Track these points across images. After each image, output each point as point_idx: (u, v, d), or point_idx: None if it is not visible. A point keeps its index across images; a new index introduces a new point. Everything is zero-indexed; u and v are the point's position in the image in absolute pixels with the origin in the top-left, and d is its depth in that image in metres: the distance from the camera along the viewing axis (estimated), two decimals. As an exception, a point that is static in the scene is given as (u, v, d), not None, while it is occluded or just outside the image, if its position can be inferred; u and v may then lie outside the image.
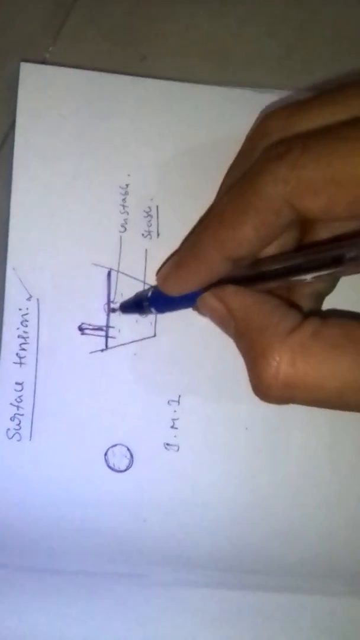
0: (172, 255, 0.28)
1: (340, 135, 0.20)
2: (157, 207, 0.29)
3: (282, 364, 0.21)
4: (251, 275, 0.24)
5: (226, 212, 0.23)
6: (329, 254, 0.21)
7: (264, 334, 0.22)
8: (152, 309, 0.28)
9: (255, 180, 0.21)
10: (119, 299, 0.29)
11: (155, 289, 0.27)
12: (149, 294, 0.28)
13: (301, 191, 0.20)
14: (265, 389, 0.22)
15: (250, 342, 0.22)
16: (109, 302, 0.29)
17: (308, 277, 0.22)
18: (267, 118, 0.23)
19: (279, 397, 0.22)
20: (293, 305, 0.24)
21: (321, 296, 0.27)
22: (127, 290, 0.29)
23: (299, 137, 0.21)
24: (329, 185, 0.20)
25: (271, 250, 0.24)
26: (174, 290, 0.26)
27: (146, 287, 0.29)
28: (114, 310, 0.29)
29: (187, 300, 0.26)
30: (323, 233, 0.24)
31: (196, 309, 0.26)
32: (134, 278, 0.29)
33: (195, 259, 0.24)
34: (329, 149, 0.20)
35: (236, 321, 0.23)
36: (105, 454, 0.28)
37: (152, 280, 0.29)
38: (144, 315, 0.29)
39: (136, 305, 0.28)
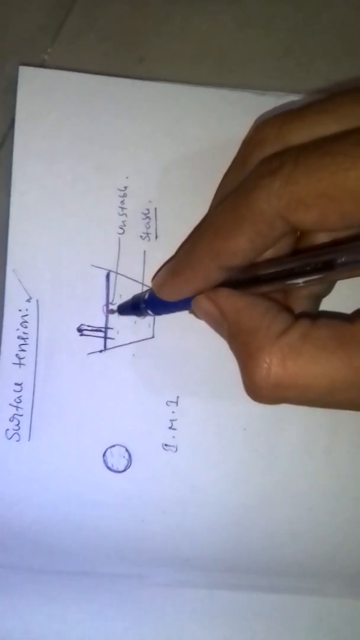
0: (168, 261, 0.29)
1: (330, 150, 0.20)
2: (156, 209, 0.29)
3: (272, 365, 0.22)
4: (245, 278, 0.24)
5: (221, 224, 0.23)
6: (321, 259, 0.21)
7: (255, 336, 0.22)
8: (149, 311, 0.28)
9: (249, 195, 0.22)
10: (118, 300, 0.29)
11: (152, 291, 0.27)
12: (146, 296, 0.28)
13: (294, 205, 0.21)
14: (257, 390, 0.22)
15: (242, 344, 0.23)
16: (107, 303, 0.29)
17: (300, 281, 0.22)
18: (261, 126, 0.24)
19: (270, 397, 0.22)
20: (286, 307, 0.25)
21: (318, 298, 0.27)
22: (126, 291, 0.29)
23: (291, 151, 0.22)
24: (320, 199, 0.20)
25: (268, 254, 0.24)
26: (169, 296, 0.26)
27: (144, 288, 0.29)
28: (112, 311, 0.29)
29: (182, 304, 0.26)
30: (320, 237, 0.25)
31: (192, 312, 0.26)
32: (133, 280, 0.29)
33: (191, 268, 0.25)
34: (319, 164, 0.20)
35: (228, 323, 0.24)
36: (104, 455, 0.29)
37: (150, 282, 0.29)
38: (141, 317, 0.29)
39: (133, 307, 0.28)
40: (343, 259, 0.21)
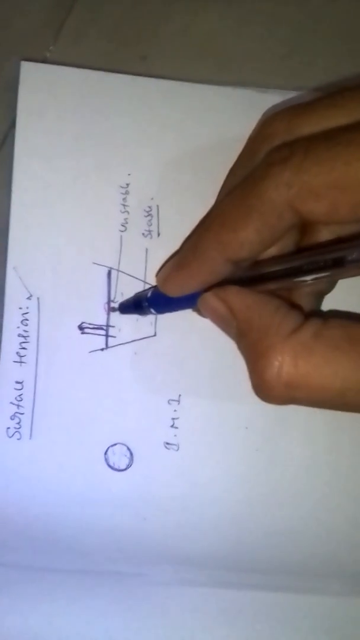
0: (172, 256, 0.28)
1: (342, 139, 0.20)
2: (158, 206, 0.29)
3: (284, 364, 0.21)
4: (252, 276, 0.24)
5: (228, 215, 0.23)
6: (330, 256, 0.21)
7: (266, 334, 0.22)
8: (152, 310, 0.28)
9: (258, 184, 0.21)
10: (119, 298, 0.29)
11: (154, 289, 0.27)
12: (149, 294, 0.28)
13: (304, 195, 0.20)
14: (267, 389, 0.22)
15: (252, 342, 0.22)
16: (109, 301, 0.29)
17: (309, 278, 0.22)
18: (269, 120, 0.23)
19: (280, 397, 0.22)
20: (294, 305, 0.24)
21: (321, 295, 0.27)
22: (128, 289, 0.29)
23: (301, 140, 0.21)
24: (331, 189, 0.20)
25: (272, 251, 0.24)
26: (174, 291, 0.26)
27: (146, 286, 0.29)
28: (114, 309, 0.29)
29: (186, 301, 0.26)
30: (324, 235, 0.24)
31: (196, 310, 0.26)
32: (134, 277, 0.29)
33: (196, 260, 0.24)
34: (331, 153, 0.20)
35: (238, 321, 0.23)
36: (105, 453, 0.28)
37: (152, 280, 0.29)
38: (143, 316, 0.29)
39: (135, 306, 0.28)
40: (354, 256, 0.20)
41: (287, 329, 0.22)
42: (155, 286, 0.28)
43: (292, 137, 0.22)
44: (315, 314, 0.23)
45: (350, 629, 0.29)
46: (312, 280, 0.22)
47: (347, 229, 0.24)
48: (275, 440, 0.29)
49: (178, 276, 0.25)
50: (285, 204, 0.21)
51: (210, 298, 0.24)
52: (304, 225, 0.24)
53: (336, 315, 0.22)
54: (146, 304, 0.27)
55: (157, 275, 0.28)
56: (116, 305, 0.29)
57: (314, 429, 0.29)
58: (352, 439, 0.30)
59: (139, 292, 0.29)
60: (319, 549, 0.29)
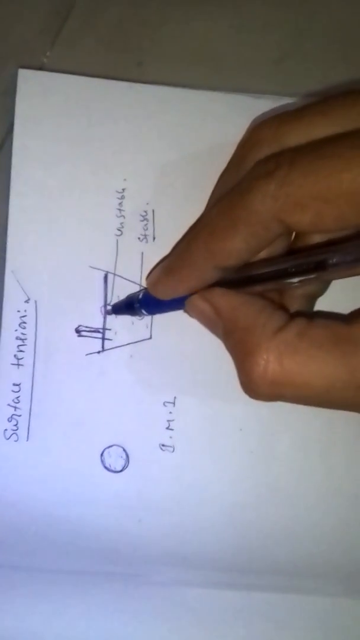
0: (163, 260, 0.29)
1: (326, 151, 0.21)
2: (153, 211, 0.30)
3: (269, 362, 0.22)
4: (239, 278, 0.24)
5: (216, 224, 0.23)
6: (313, 260, 0.22)
7: (252, 334, 0.22)
8: (143, 311, 0.28)
9: (245, 196, 0.22)
10: (116, 301, 0.29)
11: (146, 291, 0.28)
12: (140, 295, 0.28)
13: (289, 207, 0.21)
14: (254, 387, 0.22)
15: (238, 342, 0.23)
16: (105, 304, 0.29)
17: (295, 280, 0.22)
18: (257, 128, 0.24)
19: (267, 394, 0.22)
20: (280, 306, 0.25)
21: (313, 298, 0.27)
22: (124, 293, 0.29)
23: (287, 153, 0.22)
24: (316, 201, 0.20)
25: (261, 254, 0.24)
26: (163, 294, 0.26)
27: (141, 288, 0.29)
28: (110, 312, 0.29)
29: (177, 303, 0.26)
30: (314, 238, 0.25)
31: (186, 311, 0.27)
32: (130, 281, 0.29)
33: (185, 267, 0.25)
34: (315, 166, 0.20)
35: (224, 322, 0.24)
36: (102, 455, 0.29)
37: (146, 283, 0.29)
38: (136, 317, 0.29)
39: (127, 306, 0.28)
40: (334, 260, 0.21)
41: (272, 328, 0.22)
42: (146, 288, 0.28)
43: (280, 145, 0.23)
44: (301, 314, 0.23)
45: (346, 629, 0.29)
46: (298, 282, 0.22)
47: (337, 233, 0.24)
48: (270, 442, 0.29)
49: (167, 281, 0.26)
50: (271, 215, 0.21)
51: (196, 300, 0.25)
52: (295, 235, 0.25)
53: (321, 315, 0.23)
54: (138, 305, 0.28)
55: (147, 278, 0.29)
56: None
57: (308, 431, 0.30)
58: (347, 440, 0.30)
59: (131, 294, 0.29)
60: (314, 550, 0.30)
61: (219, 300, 0.24)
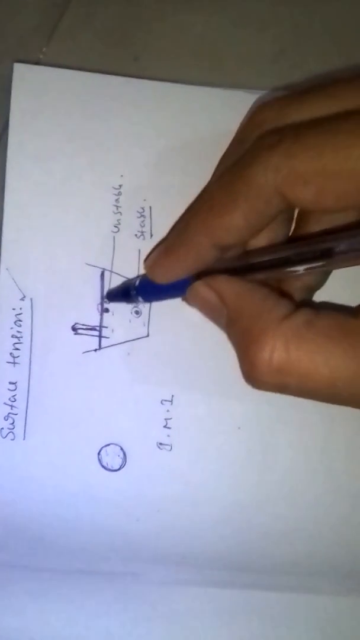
0: (160, 242, 0.28)
1: (332, 127, 0.20)
2: (150, 207, 0.29)
3: (275, 349, 0.21)
4: (241, 266, 0.24)
5: (216, 199, 0.23)
6: (319, 247, 0.21)
7: (258, 320, 0.22)
8: (140, 298, 0.27)
9: (246, 168, 0.21)
10: (112, 288, 0.29)
11: (143, 277, 0.27)
12: (137, 282, 0.28)
13: (291, 181, 0.20)
14: (258, 375, 0.22)
15: (243, 329, 0.22)
16: (102, 302, 0.29)
17: (300, 269, 0.22)
18: (261, 108, 0.23)
19: (270, 383, 0.22)
20: (285, 294, 0.24)
21: (312, 290, 0.27)
22: (120, 290, 0.29)
23: (291, 126, 0.21)
24: (319, 176, 0.20)
25: (261, 242, 0.24)
26: (162, 277, 0.26)
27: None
28: (107, 310, 0.29)
29: (174, 290, 0.26)
30: (315, 226, 0.24)
31: (185, 299, 0.26)
32: (127, 278, 0.29)
33: (184, 245, 0.24)
34: (320, 140, 0.20)
35: (228, 308, 0.23)
36: (99, 453, 0.29)
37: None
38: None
39: (123, 293, 0.28)
40: (341, 247, 0.20)
41: (279, 315, 0.22)
42: (144, 275, 0.28)
43: (283, 124, 0.22)
44: (307, 304, 0.23)
45: (344, 627, 0.29)
46: (303, 270, 0.22)
47: (338, 219, 0.23)
48: (269, 440, 0.29)
49: (165, 262, 0.25)
50: (273, 189, 0.21)
51: (200, 287, 0.24)
52: (294, 218, 0.24)
53: (327, 307, 0.22)
54: (134, 292, 0.27)
55: (145, 261, 0.28)
56: (109, 305, 0.29)
57: (307, 429, 0.29)
58: (346, 439, 0.30)
59: (127, 280, 0.28)
60: (313, 549, 0.29)
61: (224, 287, 0.24)
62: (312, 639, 0.29)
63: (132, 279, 0.28)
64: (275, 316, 0.22)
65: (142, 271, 0.29)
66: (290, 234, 0.26)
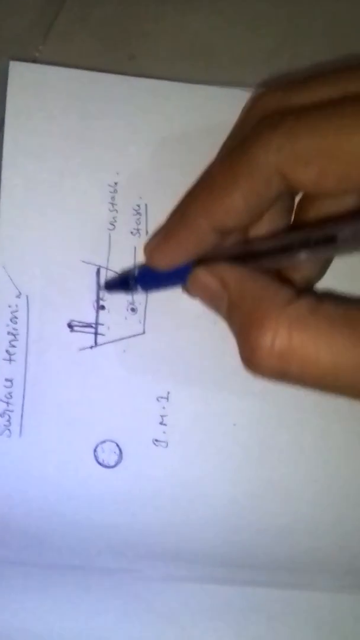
0: (160, 228, 0.27)
1: (337, 109, 0.20)
2: (146, 205, 0.29)
3: (278, 333, 0.21)
4: (241, 254, 0.24)
5: (216, 181, 0.22)
6: (322, 233, 0.21)
7: (260, 305, 0.21)
8: (139, 288, 0.27)
9: (247, 149, 0.21)
10: (108, 296, 0.29)
11: (142, 266, 0.27)
12: (136, 271, 0.27)
13: (293, 161, 0.20)
14: (259, 360, 0.21)
15: (245, 313, 0.22)
16: (98, 299, 0.29)
17: (301, 256, 0.21)
18: (263, 92, 0.23)
19: (271, 368, 0.21)
20: (286, 281, 0.24)
21: (310, 283, 0.26)
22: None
23: (294, 108, 0.21)
24: (321, 156, 0.20)
25: (261, 232, 0.24)
26: (161, 263, 0.25)
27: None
28: (103, 307, 0.29)
29: (174, 278, 0.25)
30: (314, 215, 0.24)
31: (185, 289, 0.26)
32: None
33: (183, 228, 0.24)
34: (324, 121, 0.20)
35: (230, 293, 0.23)
36: (95, 450, 0.29)
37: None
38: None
39: (122, 283, 0.28)
40: (345, 233, 0.20)
41: (282, 300, 0.21)
42: (142, 264, 0.27)
43: (285, 107, 0.22)
44: (309, 292, 0.23)
45: (342, 624, 0.29)
46: (305, 257, 0.21)
47: (338, 206, 0.23)
48: (264, 436, 0.29)
49: (165, 247, 0.25)
50: (274, 169, 0.21)
51: (201, 273, 0.24)
52: (296, 208, 0.24)
53: (329, 296, 0.22)
54: (133, 281, 0.27)
55: (144, 247, 0.27)
56: (105, 303, 0.29)
57: (303, 426, 0.30)
58: (341, 435, 0.30)
59: (125, 269, 0.28)
60: (309, 545, 0.30)
61: (225, 272, 0.23)
62: (309, 635, 0.29)
63: (131, 269, 0.28)
64: (278, 301, 0.21)
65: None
66: (290, 224, 0.26)
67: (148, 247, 0.26)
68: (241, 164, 0.21)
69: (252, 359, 0.21)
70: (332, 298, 0.22)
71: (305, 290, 0.24)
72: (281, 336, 0.21)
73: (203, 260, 0.25)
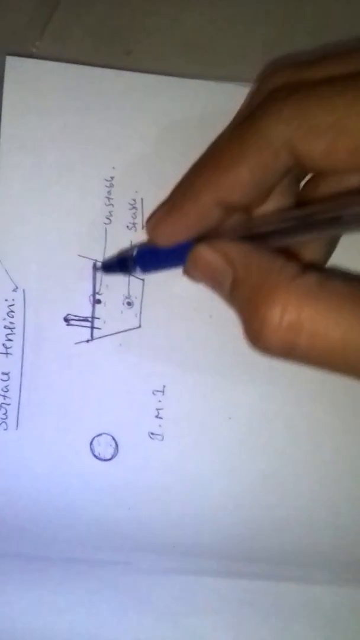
0: (163, 202, 0.27)
1: (348, 83, 0.20)
2: (142, 199, 0.29)
3: (288, 306, 0.20)
4: (245, 233, 0.23)
5: (223, 153, 0.22)
6: (328, 212, 0.20)
7: (268, 279, 0.21)
8: (138, 268, 0.27)
9: (256, 120, 0.21)
10: (105, 290, 0.29)
11: (141, 246, 0.27)
12: (135, 251, 0.27)
13: (302, 133, 0.20)
14: (268, 333, 0.20)
15: (252, 287, 0.21)
16: (94, 293, 0.29)
17: (308, 236, 0.21)
18: (274, 69, 0.23)
19: (279, 342, 0.21)
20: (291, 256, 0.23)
21: (316, 265, 0.26)
22: (112, 281, 0.29)
23: (305, 82, 0.21)
24: (331, 130, 0.19)
25: (267, 207, 0.23)
26: (164, 238, 0.24)
27: (131, 278, 0.29)
28: (99, 301, 0.29)
29: (174, 258, 0.25)
30: (323, 190, 0.24)
31: (185, 270, 0.25)
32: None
33: (188, 202, 0.23)
34: (335, 94, 0.20)
35: (235, 269, 0.22)
36: (91, 443, 0.29)
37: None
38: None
39: (120, 264, 0.27)
40: (350, 212, 0.20)
41: (290, 274, 0.21)
42: (141, 244, 0.27)
43: (296, 81, 0.22)
44: (316, 267, 0.22)
45: (340, 617, 0.30)
46: (310, 236, 0.21)
47: (344, 184, 0.23)
48: (259, 430, 0.29)
49: (168, 221, 0.24)
50: (283, 141, 0.20)
51: (203, 249, 0.23)
52: (302, 188, 0.24)
53: (335, 272, 0.22)
54: (132, 261, 0.27)
55: (146, 222, 0.26)
56: (101, 297, 0.29)
57: (298, 419, 0.30)
58: (336, 429, 0.30)
59: (123, 249, 0.28)
60: (305, 538, 0.30)
61: (230, 248, 0.23)
62: (305, 628, 0.29)
63: (129, 249, 0.28)
64: (286, 275, 0.21)
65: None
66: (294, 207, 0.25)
67: (150, 222, 0.25)
68: (249, 135, 0.21)
69: (260, 334, 0.21)
70: (337, 274, 0.21)
71: (310, 266, 0.24)
72: (290, 309, 0.20)
73: (205, 239, 0.24)
